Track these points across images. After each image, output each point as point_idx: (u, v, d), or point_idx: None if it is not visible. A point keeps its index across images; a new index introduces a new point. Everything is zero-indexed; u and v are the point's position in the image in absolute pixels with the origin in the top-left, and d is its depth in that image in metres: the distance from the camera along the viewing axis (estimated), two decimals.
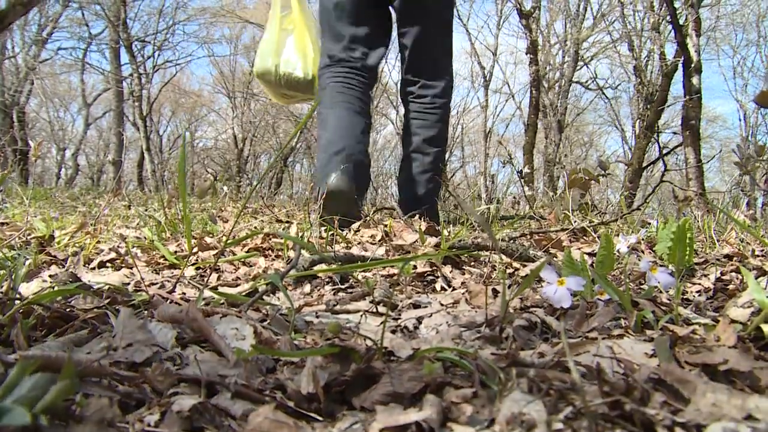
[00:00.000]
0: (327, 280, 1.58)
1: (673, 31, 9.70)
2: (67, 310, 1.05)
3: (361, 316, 1.15)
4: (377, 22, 2.78)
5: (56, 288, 1.09)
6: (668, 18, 9.91)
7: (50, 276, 1.46)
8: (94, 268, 1.83)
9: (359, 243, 2.36)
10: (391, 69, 19.99)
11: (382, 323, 0.86)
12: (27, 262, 1.52)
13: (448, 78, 2.80)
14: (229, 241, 1.56)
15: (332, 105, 2.59)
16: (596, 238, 2.42)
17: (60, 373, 0.63)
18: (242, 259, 1.91)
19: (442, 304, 1.28)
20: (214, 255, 1.95)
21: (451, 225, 2.98)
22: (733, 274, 1.75)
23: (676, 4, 9.78)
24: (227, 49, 23.61)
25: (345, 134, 2.52)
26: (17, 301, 0.98)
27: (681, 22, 9.30)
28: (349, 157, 2.46)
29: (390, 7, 2.82)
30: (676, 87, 13.08)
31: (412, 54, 2.76)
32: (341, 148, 2.48)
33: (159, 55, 19.55)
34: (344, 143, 2.48)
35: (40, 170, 23.48)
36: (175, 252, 2.04)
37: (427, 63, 2.78)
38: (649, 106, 12.06)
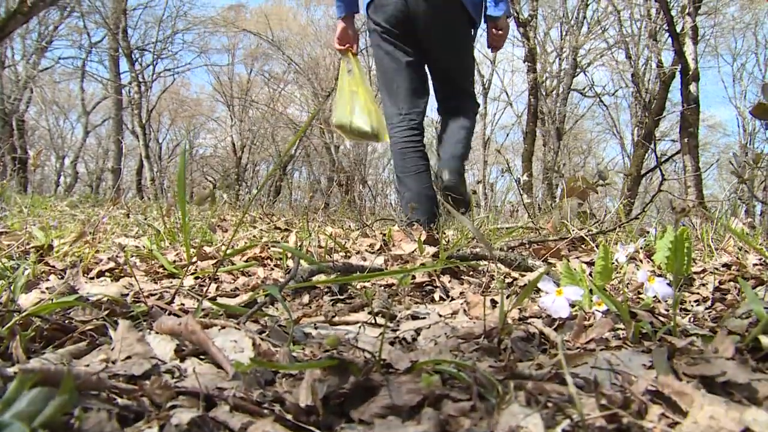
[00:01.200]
0: (326, 290, 1.58)
1: (670, 39, 9.75)
2: (66, 321, 1.05)
3: (360, 327, 1.16)
4: (419, 82, 3.42)
5: (55, 300, 1.09)
6: (665, 26, 9.96)
7: (48, 288, 1.46)
8: (92, 278, 1.82)
9: (358, 252, 2.36)
10: None
11: (380, 335, 0.86)
12: (26, 273, 1.52)
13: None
14: (228, 252, 1.56)
15: (403, 170, 3.34)
16: (594, 247, 2.42)
17: (59, 387, 0.63)
18: (241, 269, 1.91)
19: (440, 315, 1.28)
20: (212, 265, 1.95)
21: (449, 232, 2.99)
22: (732, 283, 1.75)
23: (673, 12, 9.83)
24: (225, 58, 23.68)
25: (419, 199, 3.25)
26: (16, 313, 0.98)
27: (678, 30, 9.35)
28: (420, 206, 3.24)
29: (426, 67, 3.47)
30: (675, 94, 13.14)
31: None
32: (417, 206, 3.22)
33: (158, 63, 19.62)
34: (418, 203, 3.24)
35: (39, 178, 23.48)
36: (174, 261, 2.04)
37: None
38: (647, 114, 12.10)
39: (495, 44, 3.54)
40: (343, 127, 3.39)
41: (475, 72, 3.66)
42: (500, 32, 3.47)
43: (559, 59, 17.18)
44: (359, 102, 3.33)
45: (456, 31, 3.29)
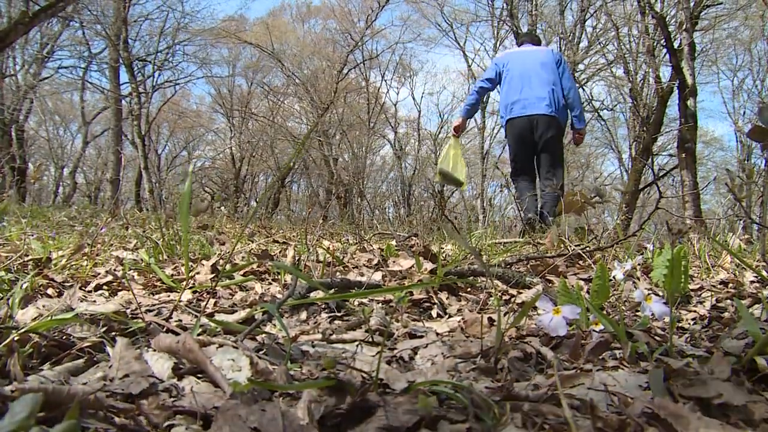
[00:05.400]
0: (323, 306, 1.58)
1: (668, 54, 9.81)
2: (64, 338, 1.05)
3: (357, 346, 1.16)
4: (532, 156, 5.56)
5: (53, 316, 1.09)
6: (663, 42, 10.03)
7: (44, 306, 1.46)
8: (90, 291, 1.82)
9: (356, 267, 2.36)
10: (387, 89, 20.19)
11: (377, 353, 0.86)
12: (24, 286, 1.52)
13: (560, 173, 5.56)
14: (226, 269, 1.56)
15: (521, 199, 5.52)
16: (592, 264, 2.43)
17: (58, 408, 0.63)
18: (239, 284, 1.91)
19: (437, 334, 1.28)
20: (210, 279, 1.96)
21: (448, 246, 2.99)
22: (729, 301, 1.75)
23: (671, 28, 9.90)
24: (226, 70, 23.66)
25: (531, 208, 5.34)
26: (14, 330, 0.98)
27: (675, 45, 9.41)
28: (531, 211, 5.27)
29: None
30: (673, 109, 13.18)
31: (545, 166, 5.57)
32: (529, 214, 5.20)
33: (159, 74, 19.64)
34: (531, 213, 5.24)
35: (38, 188, 23.42)
36: (172, 275, 2.04)
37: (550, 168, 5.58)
38: (644, 129, 12.15)
39: (577, 143, 5.89)
40: (445, 174, 5.28)
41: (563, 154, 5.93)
42: (580, 136, 5.74)
43: None
44: (458, 164, 5.52)
45: (555, 137, 5.45)
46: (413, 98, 38.07)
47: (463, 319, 1.39)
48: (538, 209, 5.37)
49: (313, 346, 1.15)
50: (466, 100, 6.03)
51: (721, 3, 11.15)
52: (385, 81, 23.70)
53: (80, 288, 1.83)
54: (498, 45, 18.66)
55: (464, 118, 5.91)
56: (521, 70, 5.61)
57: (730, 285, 2.04)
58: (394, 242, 2.88)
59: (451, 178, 5.25)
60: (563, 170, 5.74)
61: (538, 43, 6.14)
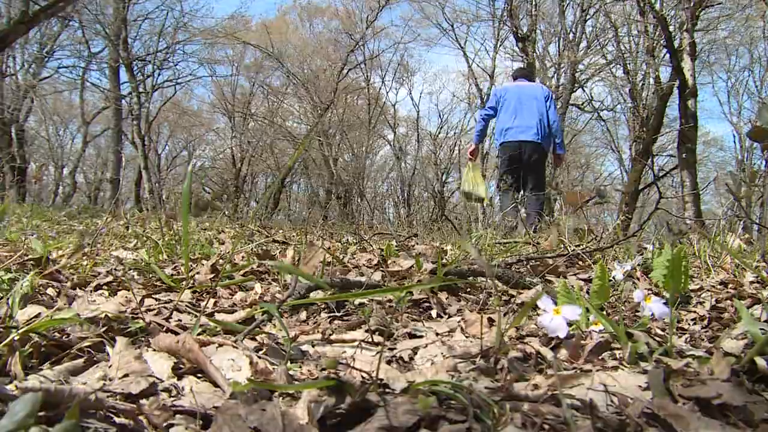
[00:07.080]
0: (323, 306, 1.58)
1: (668, 54, 9.81)
2: (64, 338, 1.05)
3: (357, 346, 1.16)
4: (518, 175, 6.42)
5: (53, 316, 1.09)
6: (663, 42, 10.02)
7: (45, 304, 1.46)
8: (90, 291, 1.82)
9: (356, 266, 2.36)
10: (387, 90, 20.20)
11: (377, 353, 0.86)
12: (24, 286, 1.52)
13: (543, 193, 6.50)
14: (226, 269, 1.56)
15: (503, 207, 6.15)
16: (592, 264, 2.43)
17: (58, 408, 0.63)
18: (239, 284, 1.91)
19: (437, 334, 1.28)
20: (210, 279, 1.95)
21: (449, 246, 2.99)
22: (728, 301, 1.75)
23: (671, 28, 9.90)
24: (228, 70, 23.59)
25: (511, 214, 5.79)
26: (14, 329, 0.98)
27: (676, 45, 9.41)
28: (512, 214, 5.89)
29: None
30: (673, 109, 13.17)
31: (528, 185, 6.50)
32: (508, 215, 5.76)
33: (159, 74, 19.62)
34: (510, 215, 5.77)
35: (38, 187, 23.38)
36: (172, 275, 2.04)
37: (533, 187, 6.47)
38: (645, 129, 12.14)
39: (557, 165, 7.31)
40: (468, 194, 6.52)
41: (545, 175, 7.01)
42: (560, 161, 6.84)
43: (557, 74, 17.29)
44: (477, 182, 6.47)
45: (539, 160, 6.48)
46: (411, 98, 38.10)
47: (463, 319, 1.39)
48: (520, 216, 6.08)
49: (313, 346, 1.15)
50: (475, 127, 7.12)
51: (721, 2, 11.15)
52: (384, 83, 23.72)
53: (81, 288, 1.84)
54: (498, 45, 18.69)
55: (477, 144, 7.05)
56: (516, 102, 6.57)
57: (730, 285, 2.04)
58: (394, 242, 2.88)
59: (474, 197, 6.55)
60: (545, 188, 6.82)
61: (532, 78, 7.27)
